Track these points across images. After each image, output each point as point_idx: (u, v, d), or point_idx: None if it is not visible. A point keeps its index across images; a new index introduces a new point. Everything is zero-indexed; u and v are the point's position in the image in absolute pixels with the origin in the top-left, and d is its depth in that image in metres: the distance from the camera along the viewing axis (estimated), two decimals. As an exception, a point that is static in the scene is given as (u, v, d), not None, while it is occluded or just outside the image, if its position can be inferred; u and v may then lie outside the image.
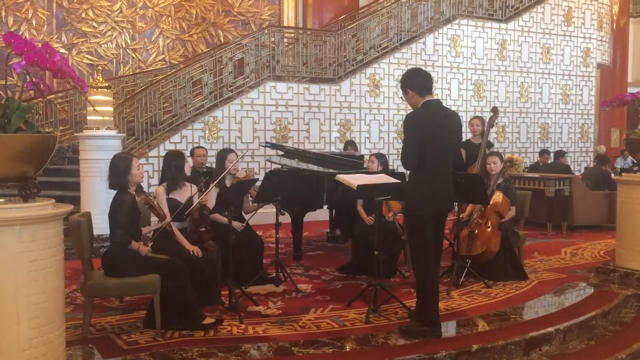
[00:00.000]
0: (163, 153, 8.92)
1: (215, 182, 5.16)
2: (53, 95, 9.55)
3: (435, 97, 4.41)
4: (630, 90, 17.60)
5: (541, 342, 4.25)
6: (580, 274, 6.14)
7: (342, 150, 8.96)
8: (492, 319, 4.60)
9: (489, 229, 5.79)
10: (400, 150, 4.89)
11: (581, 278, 5.94)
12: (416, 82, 4.25)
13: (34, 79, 3.39)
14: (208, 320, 4.29)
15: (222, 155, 5.74)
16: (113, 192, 6.93)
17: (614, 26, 15.71)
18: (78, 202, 7.32)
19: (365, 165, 7.03)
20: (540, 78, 12.81)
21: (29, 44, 3.08)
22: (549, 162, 11.24)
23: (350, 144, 8.61)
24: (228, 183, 5.65)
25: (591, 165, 13.02)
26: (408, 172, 4.33)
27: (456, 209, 5.73)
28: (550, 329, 4.33)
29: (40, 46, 3.18)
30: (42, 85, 3.56)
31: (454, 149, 4.33)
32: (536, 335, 4.24)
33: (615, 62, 15.95)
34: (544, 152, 11.56)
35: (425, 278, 4.23)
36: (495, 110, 7.26)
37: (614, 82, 16.10)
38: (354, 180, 4.68)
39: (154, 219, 4.92)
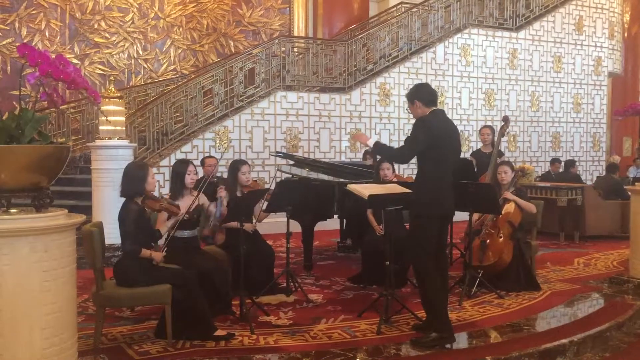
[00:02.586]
0: (174, 162, 8.96)
1: (197, 194, 4.98)
2: (65, 106, 9.62)
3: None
4: (643, 99, 17.61)
5: (555, 354, 4.21)
6: (593, 284, 6.08)
7: (361, 160, 8.96)
8: (505, 330, 4.56)
9: (501, 239, 5.75)
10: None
11: (594, 289, 5.88)
12: (425, 94, 4.47)
13: (47, 90, 3.43)
14: (220, 333, 4.28)
15: (235, 166, 5.74)
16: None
17: (625, 35, 15.65)
18: (90, 211, 7.35)
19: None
20: (552, 87, 12.77)
21: (43, 55, 3.11)
22: (560, 171, 11.18)
23: (369, 153, 8.57)
24: (239, 193, 5.65)
25: (603, 174, 12.95)
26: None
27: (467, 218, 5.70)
28: (564, 341, 4.29)
29: (54, 57, 3.21)
30: (55, 96, 3.59)
31: (456, 157, 4.51)
32: (550, 347, 4.20)
33: (627, 71, 15.87)
34: (554, 161, 11.49)
35: (425, 278, 4.29)
36: (506, 119, 7.24)
37: (626, 91, 16.01)
38: (365, 190, 4.67)
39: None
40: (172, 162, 8.88)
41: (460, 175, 5.14)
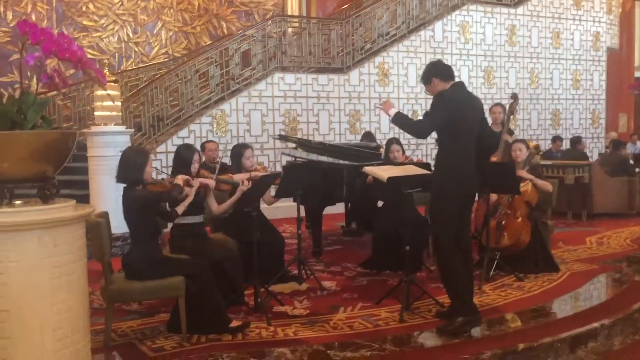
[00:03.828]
0: (171, 148, 8.68)
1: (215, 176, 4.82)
2: (54, 92, 9.26)
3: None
4: (638, 74, 17.51)
5: (586, 338, 4.05)
6: (611, 264, 5.93)
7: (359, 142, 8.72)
8: (531, 314, 4.39)
9: (518, 220, 5.57)
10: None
11: (613, 268, 5.73)
12: (441, 69, 4.29)
13: (48, 71, 3.17)
14: (235, 324, 4.07)
15: (238, 151, 5.49)
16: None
17: (620, 10, 15.47)
18: (87, 200, 7.08)
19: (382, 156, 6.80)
20: (551, 63, 12.57)
21: (45, 32, 2.84)
22: (561, 148, 11.03)
23: (367, 136, 8.36)
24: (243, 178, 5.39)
25: (603, 151, 12.83)
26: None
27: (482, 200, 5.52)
28: (595, 325, 4.13)
29: (56, 35, 2.95)
30: (57, 79, 3.34)
31: (478, 131, 4.25)
32: (581, 331, 4.04)
33: (622, 47, 15.72)
34: (556, 139, 11.34)
35: (446, 260, 4.11)
36: (515, 96, 7.01)
37: (621, 67, 15.88)
38: (383, 172, 4.46)
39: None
40: (169, 148, 8.67)
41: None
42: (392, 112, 4.26)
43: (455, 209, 4.09)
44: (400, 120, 4.28)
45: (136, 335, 4.11)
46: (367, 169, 4.62)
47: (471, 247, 4.33)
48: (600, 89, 13.39)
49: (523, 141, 5.96)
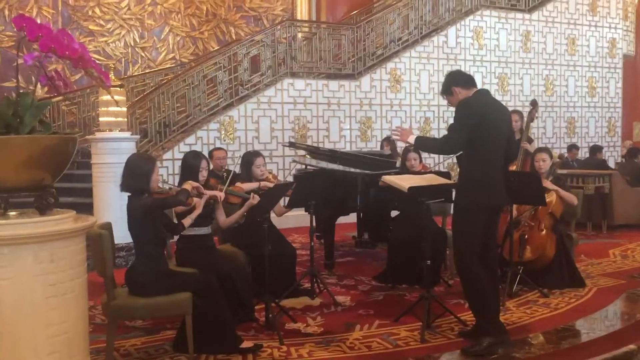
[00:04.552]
0: (178, 155, 8.47)
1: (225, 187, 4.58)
2: (60, 98, 9.07)
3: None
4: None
5: (623, 361, 3.76)
6: (639, 278, 5.64)
7: (380, 149, 8.47)
8: (561, 334, 4.11)
9: (542, 232, 5.29)
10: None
11: (642, 284, 5.45)
12: (461, 77, 4.11)
13: (48, 73, 2.93)
14: (246, 344, 3.81)
15: (249, 159, 5.22)
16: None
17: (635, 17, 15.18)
18: (91, 209, 6.85)
19: (398, 165, 6.54)
20: (566, 70, 12.30)
21: (44, 28, 2.60)
22: (577, 157, 10.74)
23: (387, 140, 8.08)
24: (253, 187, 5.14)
25: (619, 160, 12.52)
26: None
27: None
28: (632, 347, 3.84)
29: (56, 31, 2.71)
30: (57, 80, 3.10)
31: (505, 139, 3.99)
32: (618, 354, 3.75)
33: (637, 53, 15.41)
34: (572, 148, 11.05)
35: (470, 277, 3.85)
36: (534, 103, 6.73)
37: (636, 73, 15.55)
38: (403, 181, 4.20)
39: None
40: (176, 155, 8.45)
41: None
42: (412, 139, 4.04)
43: (481, 223, 3.83)
44: (422, 143, 4.10)
45: (140, 354, 3.85)
46: (387, 179, 4.36)
47: (497, 263, 4.05)
48: (616, 97, 13.10)
49: (547, 150, 5.68)
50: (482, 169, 3.85)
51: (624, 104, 13.68)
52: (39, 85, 2.91)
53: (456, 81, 4.03)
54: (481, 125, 3.80)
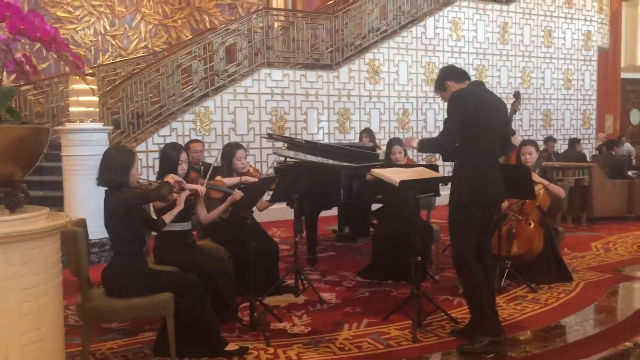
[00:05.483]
0: (152, 147, 8.20)
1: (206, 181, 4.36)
2: (28, 86, 8.69)
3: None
4: (624, 75, 17.37)
5: (620, 358, 3.67)
6: (625, 272, 5.60)
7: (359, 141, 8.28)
8: (555, 332, 4.01)
9: (530, 226, 5.20)
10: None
11: (629, 278, 5.41)
12: (454, 71, 3.97)
13: (16, 58, 2.70)
14: (232, 347, 3.61)
15: (229, 151, 5.00)
16: (101, 192, 6.12)
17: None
18: (61, 203, 6.56)
19: (381, 157, 6.39)
20: (542, 62, 12.29)
21: (12, 7, 2.37)
22: (554, 149, 10.73)
23: (366, 132, 7.91)
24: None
25: (594, 153, 12.59)
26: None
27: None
28: (628, 344, 3.75)
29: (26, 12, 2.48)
30: (27, 66, 2.86)
31: (502, 132, 3.88)
32: (615, 352, 3.66)
33: (611, 46, 15.53)
34: (548, 140, 11.03)
35: (467, 274, 3.74)
36: (517, 95, 6.65)
37: (607, 67, 15.68)
38: (394, 175, 4.03)
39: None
40: (149, 147, 8.17)
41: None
42: (415, 143, 3.93)
43: (477, 219, 3.70)
44: (426, 145, 3.99)
45: (118, 359, 3.63)
46: (376, 172, 4.19)
47: (492, 259, 3.93)
48: (591, 89, 13.16)
49: (533, 143, 5.57)
50: (477, 163, 3.72)
51: (598, 97, 13.77)
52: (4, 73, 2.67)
53: (449, 75, 3.91)
54: (474, 116, 3.66)
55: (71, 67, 2.62)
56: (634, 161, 14.04)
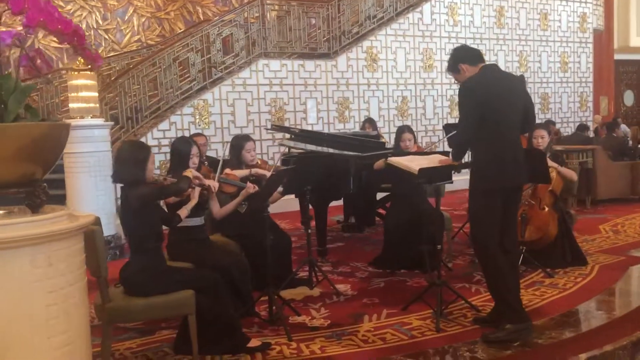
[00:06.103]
0: (151, 142, 8.08)
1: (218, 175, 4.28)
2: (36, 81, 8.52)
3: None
4: (617, 57, 17.35)
5: (647, 342, 3.64)
6: (637, 254, 5.57)
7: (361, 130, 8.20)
8: (578, 317, 3.99)
9: (544, 211, 5.15)
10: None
11: (642, 259, 5.39)
12: (467, 52, 3.88)
13: (29, 52, 2.60)
14: (254, 343, 3.55)
15: (238, 143, 4.92)
16: (103, 189, 6.00)
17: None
18: (64, 200, 6.45)
19: (387, 145, 6.33)
20: (539, 46, 12.23)
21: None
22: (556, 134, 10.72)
23: (369, 122, 7.84)
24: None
25: (592, 135, 12.57)
26: None
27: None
28: (654, 327, 3.72)
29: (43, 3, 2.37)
30: (39, 61, 2.77)
31: (521, 113, 3.77)
32: (642, 335, 3.62)
33: (605, 28, 15.49)
34: (548, 123, 11.00)
35: (488, 261, 3.68)
36: (522, 78, 6.60)
37: (601, 49, 15.64)
38: (412, 163, 3.97)
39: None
40: (150, 141, 8.05)
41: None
42: (450, 158, 4.02)
43: (497, 206, 3.64)
44: (455, 154, 3.93)
45: (138, 358, 3.56)
46: (393, 160, 4.12)
47: (517, 247, 3.88)
48: (587, 72, 13.14)
49: (545, 126, 5.53)
50: (495, 149, 3.64)
51: (594, 79, 13.75)
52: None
53: (462, 58, 3.80)
54: (486, 106, 3.57)
55: (89, 61, 2.53)
56: (630, 142, 14.07)
